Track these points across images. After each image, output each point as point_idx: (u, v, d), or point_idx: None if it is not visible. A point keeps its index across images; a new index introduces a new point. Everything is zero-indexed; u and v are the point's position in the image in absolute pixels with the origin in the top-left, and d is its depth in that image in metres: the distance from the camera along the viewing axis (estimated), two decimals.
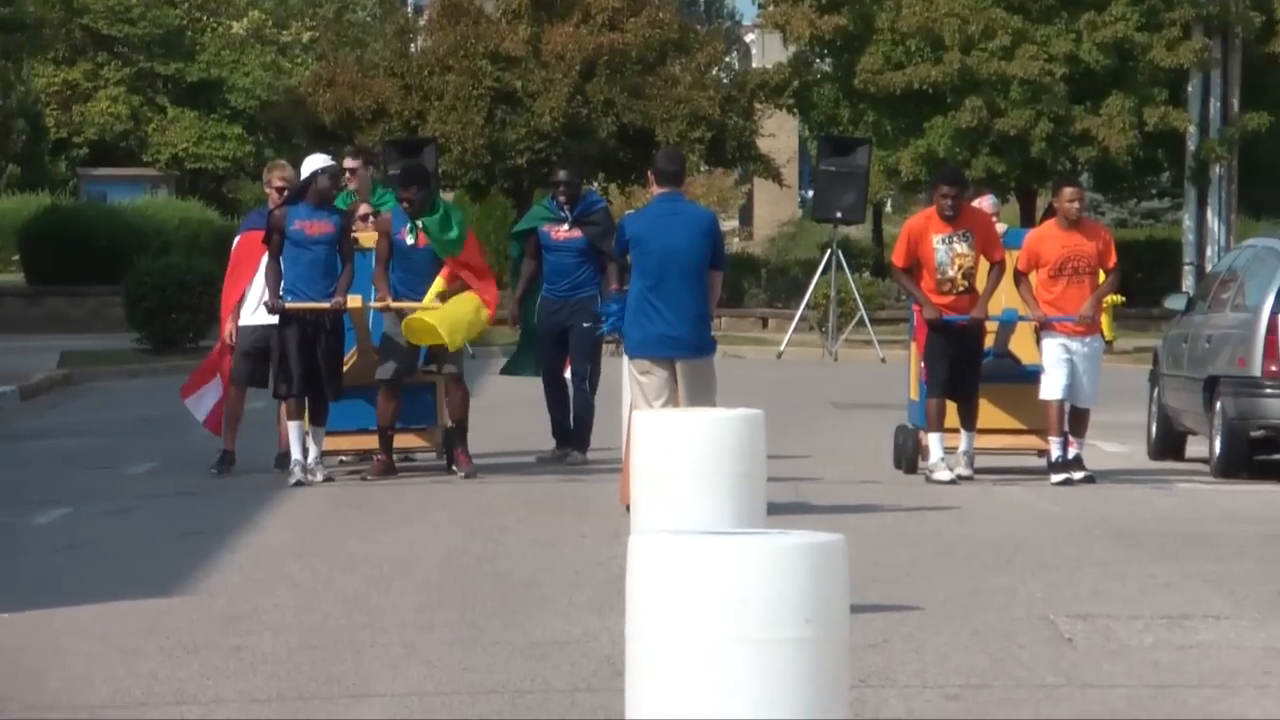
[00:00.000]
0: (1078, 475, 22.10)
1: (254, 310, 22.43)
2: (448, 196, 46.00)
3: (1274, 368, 23.18)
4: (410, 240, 21.50)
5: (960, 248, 21.55)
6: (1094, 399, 22.53)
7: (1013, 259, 22.30)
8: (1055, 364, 22.08)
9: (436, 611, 15.72)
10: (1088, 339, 22.44)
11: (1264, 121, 42.15)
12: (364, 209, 23.26)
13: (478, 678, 13.26)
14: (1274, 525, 20.61)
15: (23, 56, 58.84)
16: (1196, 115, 42.81)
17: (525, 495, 21.94)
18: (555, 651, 13.60)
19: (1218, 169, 42.12)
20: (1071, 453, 22.17)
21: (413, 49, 51.92)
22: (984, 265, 21.94)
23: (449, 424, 22.55)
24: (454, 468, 22.38)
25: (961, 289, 21.73)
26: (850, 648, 8.96)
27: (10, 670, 13.50)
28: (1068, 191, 22.58)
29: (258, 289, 22.32)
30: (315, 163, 22.02)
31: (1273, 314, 23.33)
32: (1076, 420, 22.42)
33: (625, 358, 19.84)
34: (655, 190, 20.82)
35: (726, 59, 52.76)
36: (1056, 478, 22.00)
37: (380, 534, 19.61)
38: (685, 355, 19.51)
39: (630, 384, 19.50)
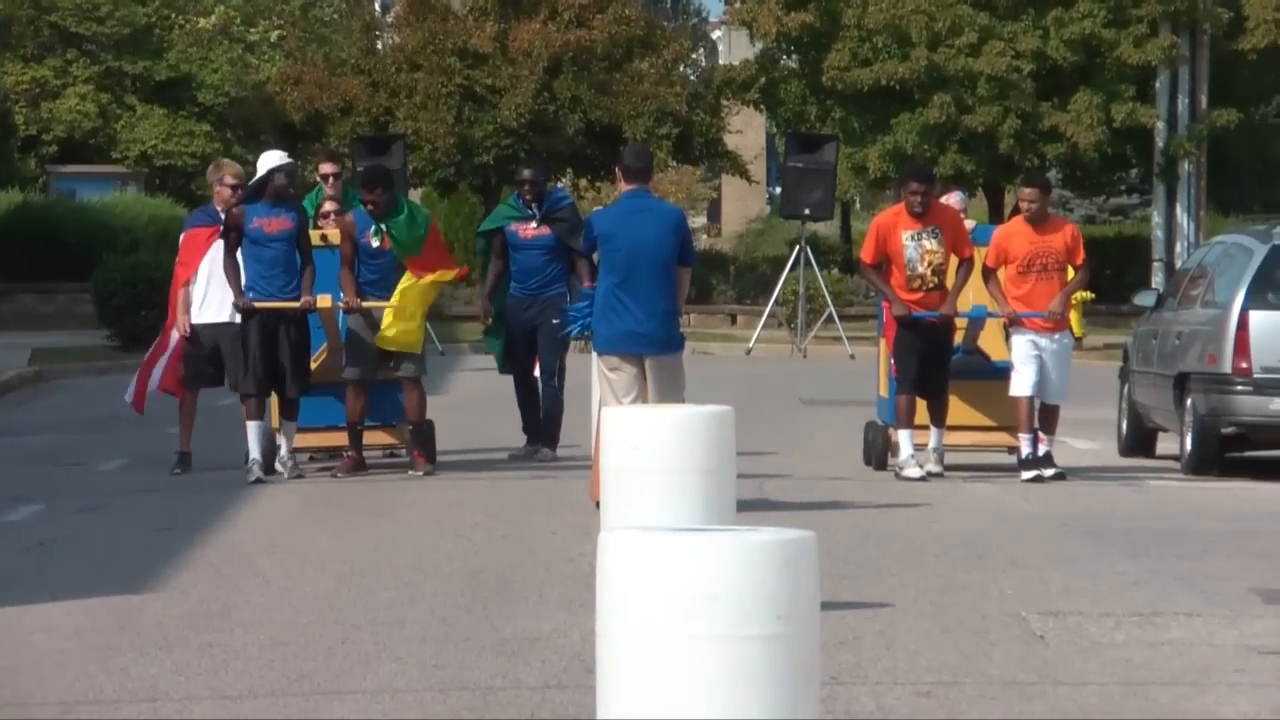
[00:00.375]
0: (1048, 472, 22.15)
1: (201, 308, 22.47)
2: (416, 194, 46.21)
3: (1244, 364, 23.23)
4: (375, 243, 21.57)
5: (929, 244, 21.57)
6: (1064, 395, 22.54)
7: (981, 255, 22.35)
8: (1024, 360, 22.08)
9: (407, 609, 15.72)
10: (1056, 335, 22.42)
11: (1232, 118, 42.30)
12: (328, 205, 23.40)
13: (449, 674, 13.28)
14: (1245, 522, 20.67)
15: None
16: (1165, 112, 42.96)
17: (496, 492, 22.00)
18: (526, 648, 13.62)
19: (1186, 165, 42.24)
20: (1042, 449, 22.27)
21: (380, 46, 52.01)
22: (953, 262, 21.99)
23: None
24: (410, 470, 22.41)
25: (931, 285, 21.75)
26: (821, 645, 9.00)
27: None
28: (1026, 192, 22.68)
29: (202, 287, 22.35)
30: (271, 159, 22.05)
31: (1243, 311, 23.38)
32: (1046, 417, 22.47)
33: (594, 354, 19.87)
34: (623, 187, 20.67)
35: (693, 55, 52.86)
36: (1027, 475, 22.06)
37: (351, 531, 19.63)
38: (654, 352, 19.49)
39: (599, 381, 19.52)
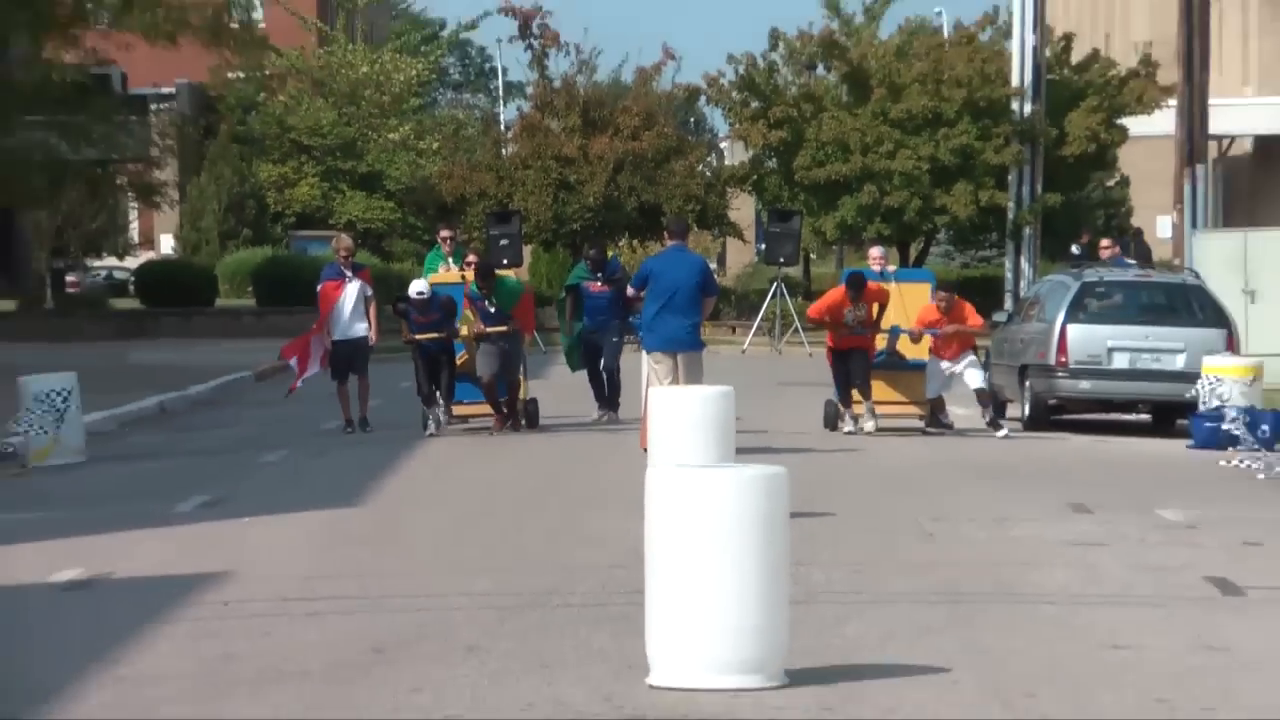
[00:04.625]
0: (1000, 433, 22.44)
1: (339, 330, 22.39)
2: (527, 249, 46.24)
3: (1063, 359, 23.18)
4: (491, 308, 21.96)
5: (860, 312, 21.74)
6: (978, 381, 22.54)
7: (897, 290, 22.73)
8: (933, 375, 22.34)
9: (522, 513, 15.82)
10: (959, 359, 22.49)
11: (1057, 199, 42.02)
12: (471, 257, 25.20)
13: (548, 558, 13.36)
14: (1063, 460, 20.72)
15: (252, 158, 59.08)
16: (1014, 195, 42.60)
17: (579, 440, 22.05)
18: (599, 540, 13.70)
19: (1027, 230, 41.95)
20: (986, 416, 22.77)
21: (504, 153, 51.86)
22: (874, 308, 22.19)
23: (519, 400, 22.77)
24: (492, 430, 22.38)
25: (855, 330, 21.92)
26: (788, 540, 9.11)
27: (249, 555, 13.59)
28: (941, 294, 22.90)
29: (338, 316, 22.32)
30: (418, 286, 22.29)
31: (1063, 324, 23.30)
32: (979, 396, 22.62)
33: (645, 353, 19.95)
34: (669, 242, 22.23)
35: (708, 158, 52.56)
36: (933, 430, 22.43)
37: (489, 464, 19.74)
38: (684, 350, 19.52)
39: (649, 369, 19.60)
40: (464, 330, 22.03)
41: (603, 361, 23.55)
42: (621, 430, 21.70)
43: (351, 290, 22.38)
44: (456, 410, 22.51)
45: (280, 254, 53.61)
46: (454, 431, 22.30)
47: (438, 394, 21.94)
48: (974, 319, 22.98)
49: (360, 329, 22.36)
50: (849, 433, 21.97)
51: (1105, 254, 29.17)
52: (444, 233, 26.77)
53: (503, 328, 21.94)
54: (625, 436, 20.58)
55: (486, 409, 22.33)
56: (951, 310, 22.42)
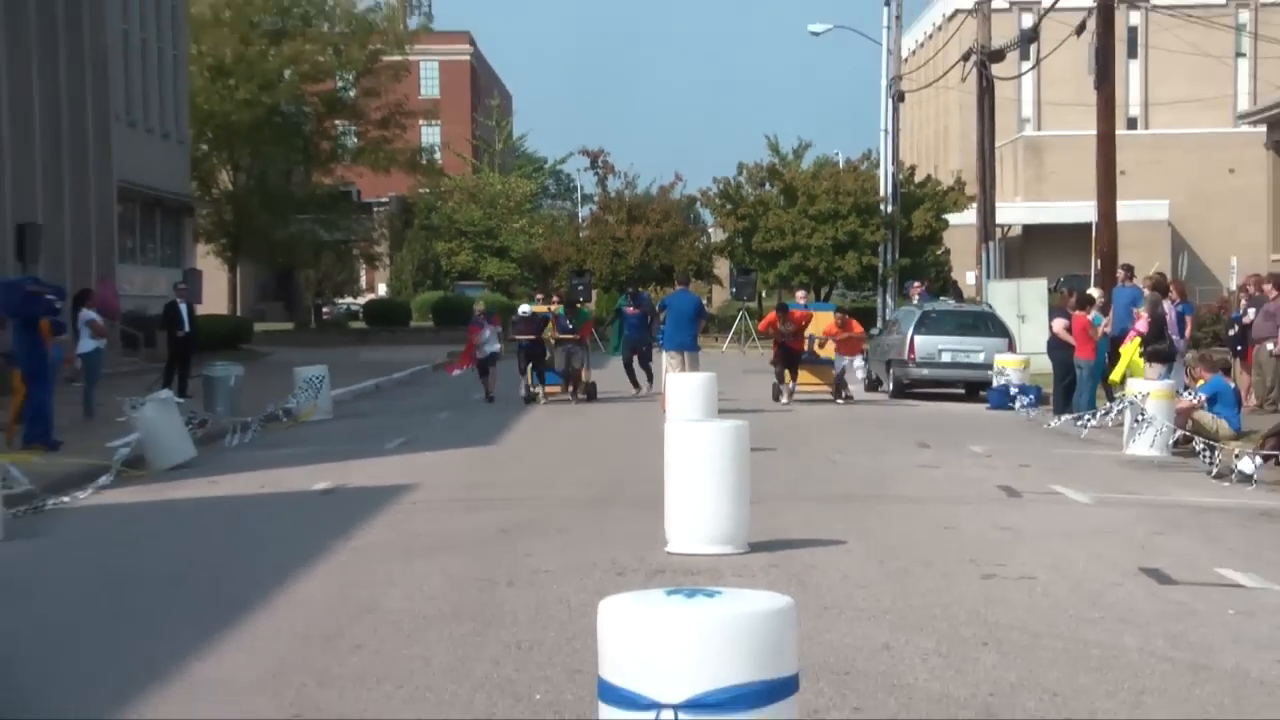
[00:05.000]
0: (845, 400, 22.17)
1: (482, 352, 22.08)
2: (594, 291, 46.17)
3: (912, 356, 23.03)
4: (569, 324, 21.66)
5: (786, 327, 21.45)
6: (861, 371, 22.96)
7: (819, 319, 22.56)
8: (838, 367, 22.35)
9: (592, 450, 15.73)
10: (854, 358, 22.89)
11: (907, 262, 41.68)
12: (556, 297, 25.19)
13: (609, 475, 13.33)
14: (913, 416, 20.45)
15: (432, 239, 59.09)
16: (882, 260, 42.25)
17: (624, 408, 21.94)
18: (634, 462, 13.50)
19: (890, 280, 41.70)
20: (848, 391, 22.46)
21: (580, 234, 51.88)
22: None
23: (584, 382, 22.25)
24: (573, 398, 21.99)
25: (790, 338, 21.69)
26: (749, 465, 9.05)
27: (429, 473, 13.55)
28: (799, 294, 23.30)
29: (481, 343, 22.04)
30: (524, 310, 22.47)
31: (912, 336, 23.23)
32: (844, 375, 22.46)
33: (664, 352, 19.87)
34: (678, 286, 22.46)
35: (701, 238, 52.38)
36: (840, 401, 22.09)
37: (570, 420, 19.66)
38: (688, 350, 19.54)
39: (667, 362, 19.52)
40: (549, 337, 21.89)
41: (637, 359, 23.35)
42: (648, 401, 21.64)
43: (487, 331, 22.32)
44: (547, 390, 22.19)
45: (449, 295, 53.64)
46: (545, 403, 22.17)
47: (532, 379, 21.80)
48: (858, 330, 23.07)
49: (491, 349, 22.29)
50: (784, 404, 21.81)
51: (914, 294, 29.22)
52: (539, 295, 26.82)
53: (574, 337, 21.71)
54: (650, 404, 20.51)
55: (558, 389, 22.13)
56: (845, 325, 22.54)
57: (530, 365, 21.76)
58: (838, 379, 22.36)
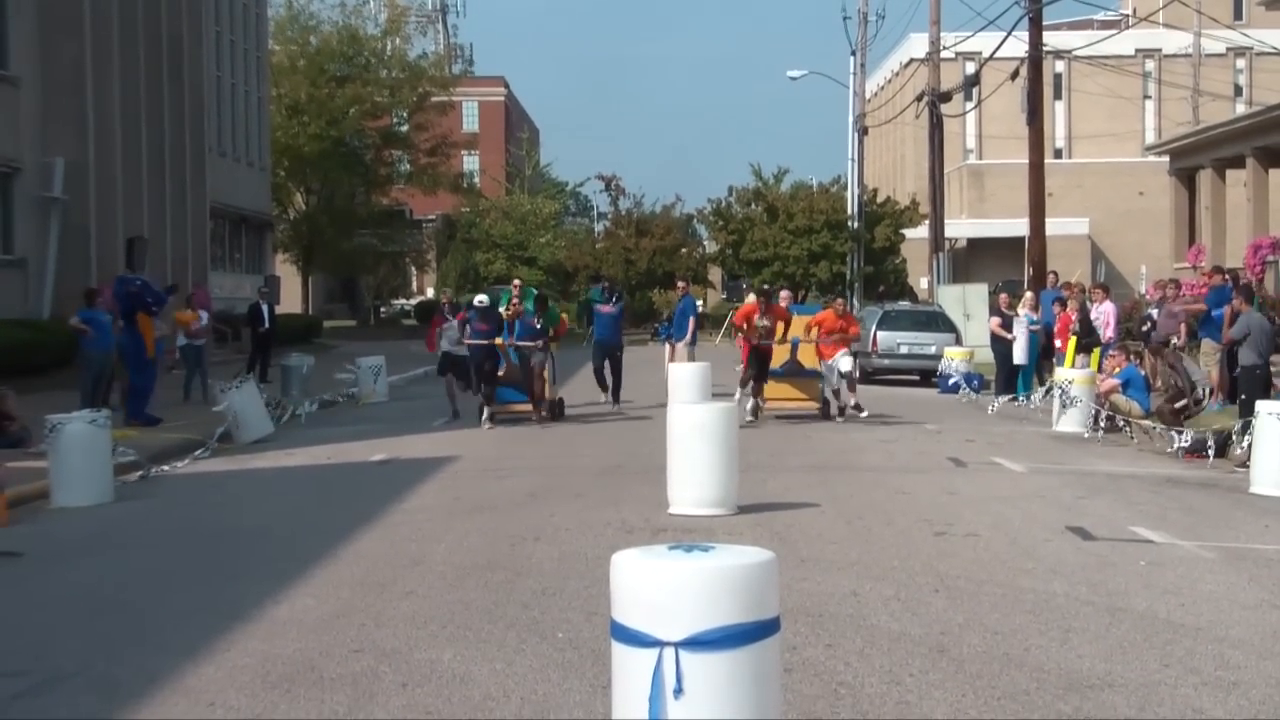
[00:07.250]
0: (857, 412, 16.10)
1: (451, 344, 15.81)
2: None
3: (875, 349, 22.98)
4: (539, 324, 15.65)
5: (766, 321, 15.88)
6: (847, 365, 16.13)
7: (799, 321, 16.72)
8: (828, 375, 16.36)
9: (609, 432, 15.56)
10: (839, 355, 16.10)
11: (870, 270, 41.65)
12: (514, 304, 16.14)
13: (621, 450, 13.06)
14: (876, 399, 20.24)
15: (473, 250, 58.90)
16: (850, 267, 42.18)
17: (598, 428, 21.56)
18: (643, 435, 13.33)
19: (857, 284, 41.50)
20: (851, 400, 16.23)
21: (596, 245, 51.75)
22: (780, 326, 16.48)
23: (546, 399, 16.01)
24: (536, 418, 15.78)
25: (764, 336, 15.90)
26: (737, 439, 8.94)
27: (468, 447, 13.38)
28: (838, 303, 17.17)
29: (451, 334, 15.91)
30: (480, 299, 15.77)
31: (875, 330, 23.16)
32: (847, 377, 16.17)
33: (666, 344, 19.63)
34: (679, 288, 19.92)
35: (698, 249, 52.21)
36: (840, 419, 16.09)
37: (539, 440, 18.54)
38: (684, 342, 19.33)
39: (668, 351, 19.34)
40: (505, 344, 15.61)
41: (609, 366, 17.64)
42: (624, 420, 20.93)
43: (453, 322, 16.09)
44: (514, 408, 16.05)
45: (488, 293, 53.48)
46: (491, 428, 20.63)
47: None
48: (854, 329, 17.28)
49: (451, 347, 16.06)
50: (750, 420, 15.37)
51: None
52: (516, 284, 18.01)
53: (533, 344, 15.54)
54: (641, 417, 17.82)
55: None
56: (847, 319, 16.88)
57: (480, 381, 15.21)
58: (824, 395, 16.44)
